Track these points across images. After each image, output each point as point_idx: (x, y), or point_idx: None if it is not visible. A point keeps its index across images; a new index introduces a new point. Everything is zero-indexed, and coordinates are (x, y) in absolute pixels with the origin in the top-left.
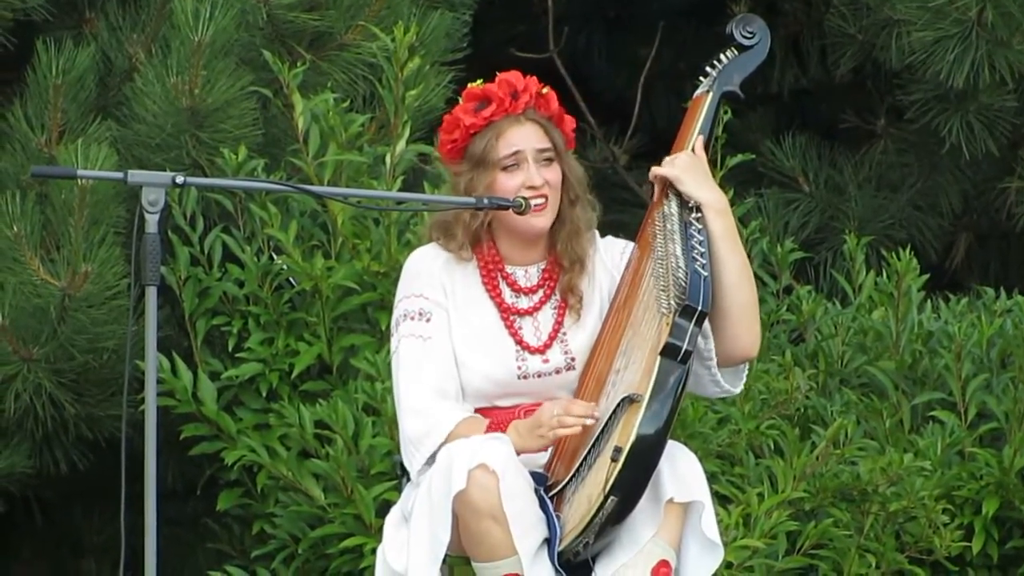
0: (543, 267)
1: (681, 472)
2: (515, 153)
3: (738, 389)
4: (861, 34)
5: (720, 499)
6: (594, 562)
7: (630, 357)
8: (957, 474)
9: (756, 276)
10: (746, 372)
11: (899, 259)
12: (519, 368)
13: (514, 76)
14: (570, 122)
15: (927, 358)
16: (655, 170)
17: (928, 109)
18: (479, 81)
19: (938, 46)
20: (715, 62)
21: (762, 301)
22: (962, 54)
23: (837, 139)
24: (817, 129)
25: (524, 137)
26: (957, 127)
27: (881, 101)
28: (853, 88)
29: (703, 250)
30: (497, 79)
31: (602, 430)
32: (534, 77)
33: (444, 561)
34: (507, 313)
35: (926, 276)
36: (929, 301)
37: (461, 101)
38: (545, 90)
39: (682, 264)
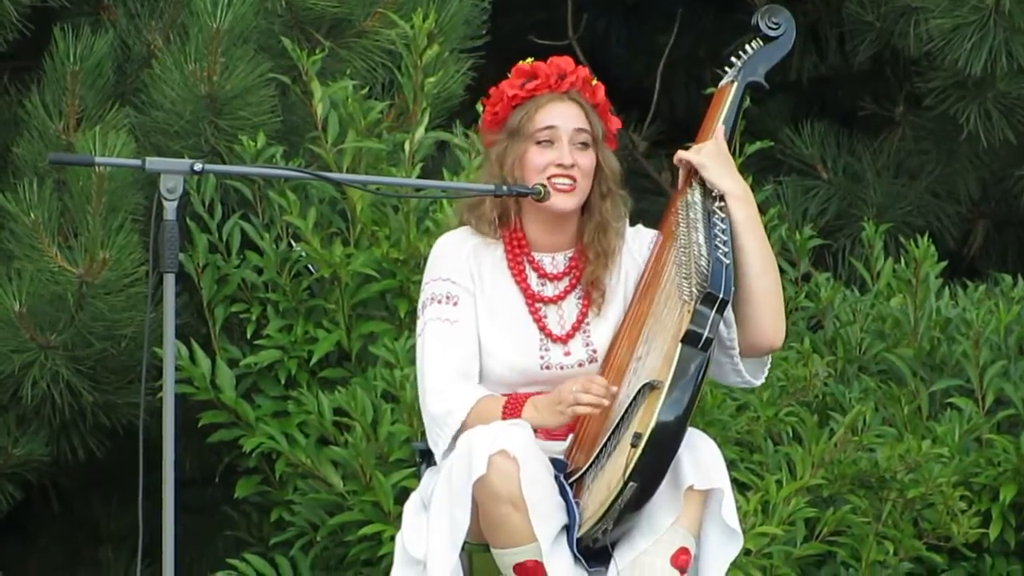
0: (570, 255)
1: (701, 459)
2: (550, 128)
3: (759, 381)
4: (879, 21)
5: (738, 486)
6: (613, 549)
7: (651, 345)
8: (975, 461)
9: None
10: (769, 365)
11: (917, 246)
12: (542, 358)
13: (565, 61)
14: (615, 122)
15: (945, 345)
16: (680, 154)
17: (946, 96)
18: (529, 60)
19: (956, 33)
20: (740, 52)
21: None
22: (980, 41)
23: (855, 126)
24: (836, 116)
25: (562, 114)
26: (975, 114)
27: (899, 88)
28: (871, 75)
29: (726, 239)
30: (548, 60)
31: (622, 417)
32: (586, 68)
33: (462, 548)
34: (532, 300)
35: (944, 263)
36: (947, 288)
37: (510, 76)
38: (595, 82)
39: (704, 252)
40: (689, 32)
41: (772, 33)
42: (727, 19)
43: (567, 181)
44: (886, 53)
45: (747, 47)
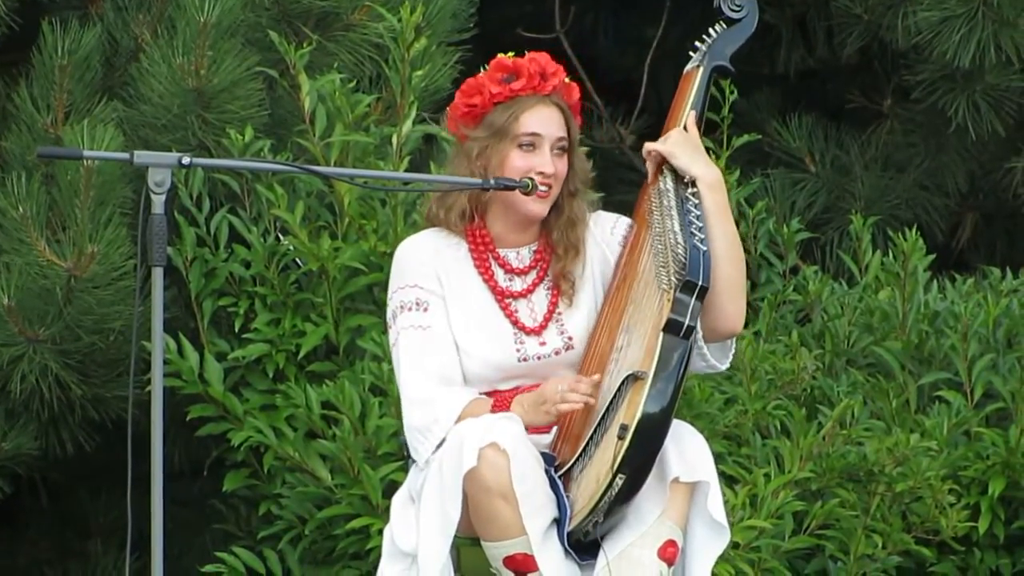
0: (535, 248)
1: (687, 452)
2: (535, 134)
3: (724, 366)
4: (867, 14)
5: (727, 479)
6: (602, 540)
7: (632, 335)
8: (963, 454)
9: (763, 256)
10: (733, 350)
11: (905, 239)
12: (518, 351)
13: (544, 58)
14: (580, 119)
15: (933, 338)
16: (648, 146)
17: (934, 89)
18: (510, 54)
19: (944, 26)
20: (704, 37)
21: (768, 281)
22: (968, 34)
23: (843, 119)
24: (824, 109)
25: (546, 121)
26: (963, 107)
27: (887, 81)
28: (859, 68)
29: (701, 224)
30: (528, 56)
31: (607, 409)
32: (561, 66)
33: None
34: (501, 296)
35: (932, 256)
36: (935, 281)
37: (488, 69)
38: (568, 79)
39: (681, 240)
40: (677, 25)
41: (735, 15)
42: (716, 12)
43: (543, 188)
44: (874, 46)
45: (711, 31)
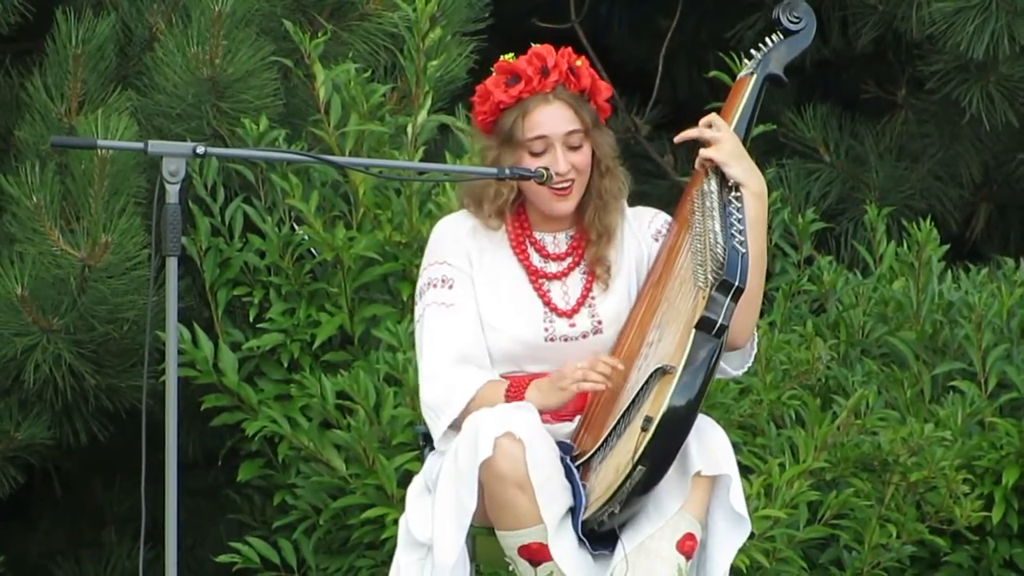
0: (572, 234)
1: (709, 446)
2: (541, 137)
3: (737, 372)
4: (882, 4)
5: (742, 469)
6: (620, 532)
7: (664, 331)
8: (977, 444)
9: (777, 246)
10: (751, 359)
11: (919, 229)
12: (546, 330)
13: (546, 51)
14: (605, 91)
15: (947, 328)
16: (703, 152)
17: (949, 80)
18: (511, 55)
19: (958, 16)
20: (760, 45)
21: (783, 272)
22: (982, 25)
23: (858, 110)
24: (838, 100)
25: (552, 120)
26: (977, 98)
27: (902, 72)
28: (874, 59)
29: (742, 227)
30: (529, 52)
31: (633, 400)
32: (568, 49)
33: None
34: (535, 276)
35: (946, 246)
36: (949, 271)
37: (493, 73)
38: (579, 62)
39: (720, 240)
40: (692, 15)
41: (793, 27)
42: (730, 3)
43: (563, 185)
44: (888, 36)
45: (767, 40)
